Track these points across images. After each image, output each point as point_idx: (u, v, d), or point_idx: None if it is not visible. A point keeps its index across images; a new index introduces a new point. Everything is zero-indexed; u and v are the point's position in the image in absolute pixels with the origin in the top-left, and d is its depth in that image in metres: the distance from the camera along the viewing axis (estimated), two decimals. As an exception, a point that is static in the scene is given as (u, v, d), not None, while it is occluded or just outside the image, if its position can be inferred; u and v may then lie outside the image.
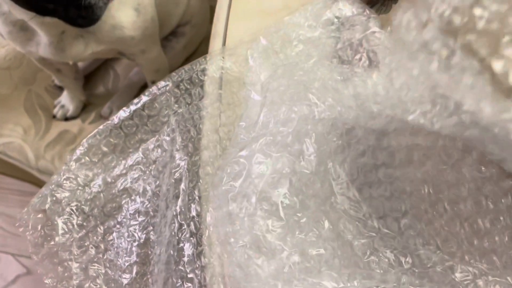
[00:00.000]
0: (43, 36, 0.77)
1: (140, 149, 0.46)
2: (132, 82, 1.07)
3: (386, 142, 0.37)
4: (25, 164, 1.05)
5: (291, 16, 0.42)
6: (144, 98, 0.46)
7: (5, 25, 0.78)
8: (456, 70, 0.27)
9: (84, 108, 1.08)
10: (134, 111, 0.46)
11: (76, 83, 1.03)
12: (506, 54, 0.25)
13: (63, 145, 1.03)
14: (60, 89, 1.09)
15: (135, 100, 0.46)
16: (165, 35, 1.00)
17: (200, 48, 1.11)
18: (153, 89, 0.45)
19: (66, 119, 1.06)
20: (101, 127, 0.46)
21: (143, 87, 1.08)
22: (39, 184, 1.43)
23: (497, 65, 0.26)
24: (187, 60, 1.10)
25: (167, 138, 0.45)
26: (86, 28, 0.66)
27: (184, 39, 1.04)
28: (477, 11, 0.26)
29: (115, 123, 0.46)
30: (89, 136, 0.46)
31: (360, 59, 0.42)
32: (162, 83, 0.45)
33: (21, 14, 0.68)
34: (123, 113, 0.46)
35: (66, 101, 1.05)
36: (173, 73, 0.45)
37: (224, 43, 0.50)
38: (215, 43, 0.51)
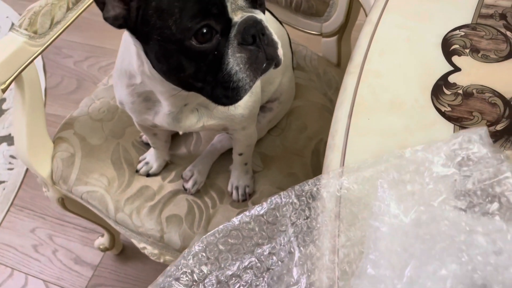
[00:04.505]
0: (166, 106, 0.80)
1: (255, 253, 0.48)
2: (215, 148, 1.11)
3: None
4: (104, 214, 1.10)
5: (423, 151, 0.44)
6: (265, 205, 0.48)
7: (129, 96, 0.82)
8: None
9: (165, 167, 1.13)
10: (256, 216, 0.48)
11: (165, 145, 1.09)
12: None
13: (142, 201, 1.07)
14: (146, 145, 1.15)
15: (258, 207, 0.48)
16: (255, 110, 1.05)
17: (282, 122, 1.15)
18: (276, 198, 0.48)
19: (148, 175, 1.11)
20: (221, 226, 0.48)
21: (223, 154, 1.12)
22: (106, 225, 1.48)
23: None
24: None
25: (284, 248, 0.46)
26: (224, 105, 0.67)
27: (270, 114, 1.08)
28: None
29: (236, 224, 0.48)
30: (208, 233, 0.49)
31: (491, 202, 0.42)
32: (285, 194, 0.48)
33: (161, 87, 0.73)
34: (244, 217, 0.48)
35: (151, 159, 1.10)
36: (297, 186, 0.48)
37: (343, 156, 0.52)
38: (333, 156, 0.53)
